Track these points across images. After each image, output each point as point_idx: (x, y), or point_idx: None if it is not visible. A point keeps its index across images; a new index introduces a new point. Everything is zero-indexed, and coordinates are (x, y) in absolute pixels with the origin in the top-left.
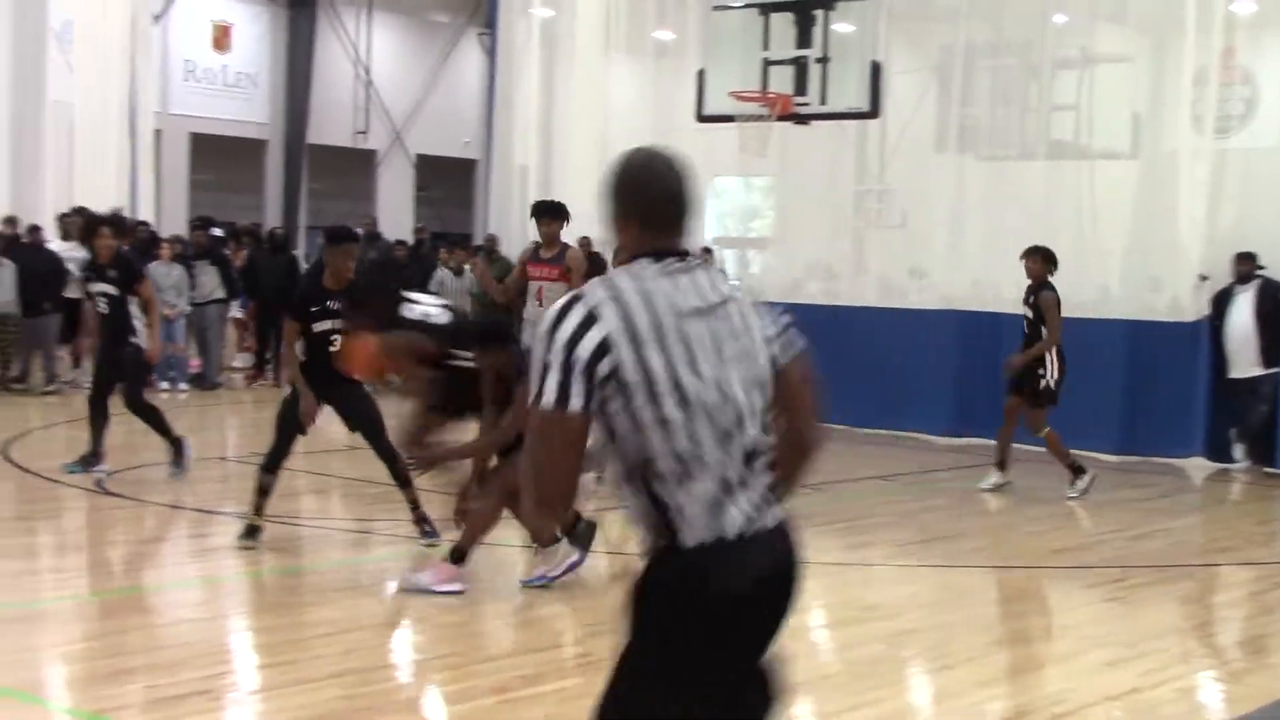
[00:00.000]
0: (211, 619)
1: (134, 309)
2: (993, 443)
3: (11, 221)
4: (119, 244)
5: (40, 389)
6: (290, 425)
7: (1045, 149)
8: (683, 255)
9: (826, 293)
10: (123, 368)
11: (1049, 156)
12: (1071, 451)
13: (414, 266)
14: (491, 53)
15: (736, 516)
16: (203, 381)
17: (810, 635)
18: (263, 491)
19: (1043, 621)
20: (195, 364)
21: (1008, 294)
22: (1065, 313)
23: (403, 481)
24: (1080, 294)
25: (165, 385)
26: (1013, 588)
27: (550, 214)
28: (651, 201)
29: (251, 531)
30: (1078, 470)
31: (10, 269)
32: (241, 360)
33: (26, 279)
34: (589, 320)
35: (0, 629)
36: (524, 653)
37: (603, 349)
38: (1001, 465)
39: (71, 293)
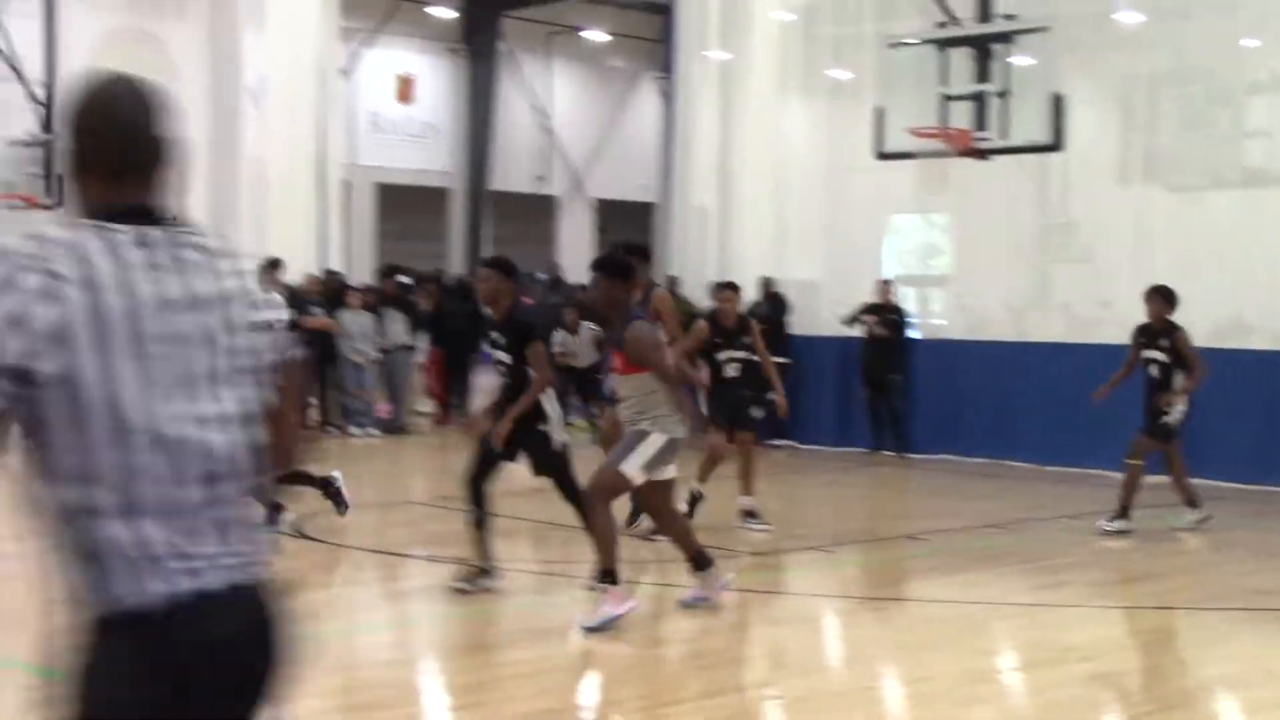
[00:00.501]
0: (404, 660)
1: None
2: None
3: None
4: None
5: None
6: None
7: (1238, 177)
8: (155, 214)
9: (1012, 328)
10: None
11: (1242, 184)
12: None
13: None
14: (668, 96)
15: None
16: (392, 426)
17: (1003, 678)
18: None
19: (1249, 666)
20: (385, 409)
21: (1200, 327)
22: (1263, 345)
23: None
24: (1277, 324)
25: (356, 430)
26: (1215, 630)
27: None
28: (121, 144)
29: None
30: (1124, 511)
31: None
32: (427, 405)
33: None
34: (47, 292)
35: None
36: (711, 695)
37: (59, 337)
38: (1192, 503)
39: None
